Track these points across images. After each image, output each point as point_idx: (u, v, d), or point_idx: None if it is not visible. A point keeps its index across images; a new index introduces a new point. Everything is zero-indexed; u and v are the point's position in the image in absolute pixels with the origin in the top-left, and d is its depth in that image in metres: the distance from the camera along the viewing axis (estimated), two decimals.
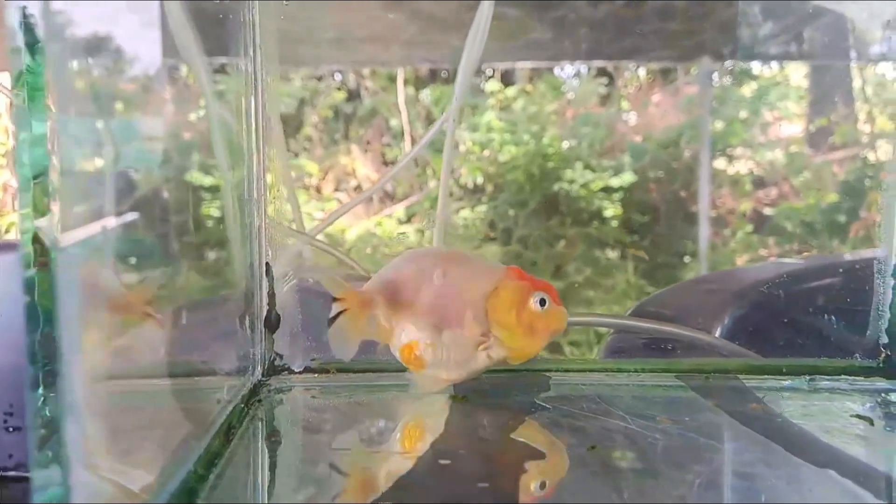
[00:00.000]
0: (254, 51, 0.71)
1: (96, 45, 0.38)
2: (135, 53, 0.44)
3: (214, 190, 0.65)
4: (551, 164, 2.08)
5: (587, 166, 2.09)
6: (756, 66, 2.09)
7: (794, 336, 0.77)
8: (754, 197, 2.10)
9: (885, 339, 0.73)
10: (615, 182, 2.09)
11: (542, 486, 0.48)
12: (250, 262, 0.71)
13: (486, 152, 2.21)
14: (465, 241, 2.06)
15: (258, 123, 0.71)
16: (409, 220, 2.28)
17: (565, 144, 2.15)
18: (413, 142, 2.27)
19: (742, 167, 2.09)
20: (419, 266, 0.65)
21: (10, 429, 1.06)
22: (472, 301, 0.63)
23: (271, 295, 0.72)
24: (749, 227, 2.09)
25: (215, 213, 0.65)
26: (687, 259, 2.06)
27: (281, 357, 0.72)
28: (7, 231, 3.90)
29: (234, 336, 0.66)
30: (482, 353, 0.63)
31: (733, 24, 1.70)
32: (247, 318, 0.69)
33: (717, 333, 0.83)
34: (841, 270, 0.78)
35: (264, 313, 0.72)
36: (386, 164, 2.28)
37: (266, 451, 0.55)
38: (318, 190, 2.31)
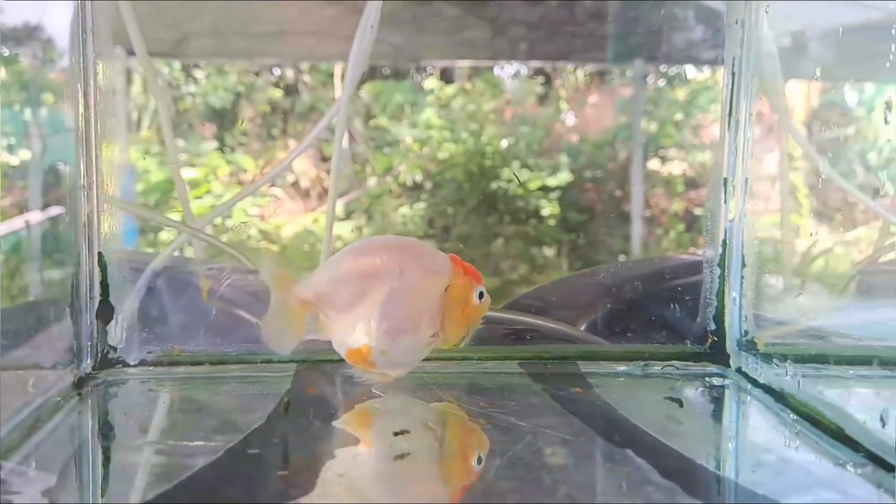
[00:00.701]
0: (84, 36, 0.67)
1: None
2: None
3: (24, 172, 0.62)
4: (489, 163, 2.09)
5: (525, 165, 2.11)
6: (689, 70, 2.14)
7: (644, 325, 0.80)
8: (686, 197, 2.15)
9: (712, 326, 0.77)
10: (552, 181, 2.11)
11: (341, 474, 0.48)
12: (77, 251, 0.67)
13: (426, 150, 2.20)
14: None
15: (89, 110, 0.68)
16: (347, 216, 2.25)
17: (503, 143, 2.17)
18: (351, 138, 2.25)
19: (675, 168, 2.14)
20: (371, 262, 0.63)
21: None
22: (428, 305, 0.62)
23: (104, 285, 0.68)
24: (681, 227, 2.14)
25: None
26: (622, 258, 2.10)
27: (115, 349, 0.69)
28: None
29: (50, 328, 0.62)
30: (427, 347, 0.63)
31: (665, 27, 1.74)
32: (70, 309, 0.65)
33: (584, 325, 0.85)
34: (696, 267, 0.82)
35: (96, 304, 0.68)
36: (324, 159, 2.25)
37: (78, 445, 0.53)
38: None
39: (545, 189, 2.13)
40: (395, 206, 2.18)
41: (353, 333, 0.63)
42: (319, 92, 2.28)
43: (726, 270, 0.78)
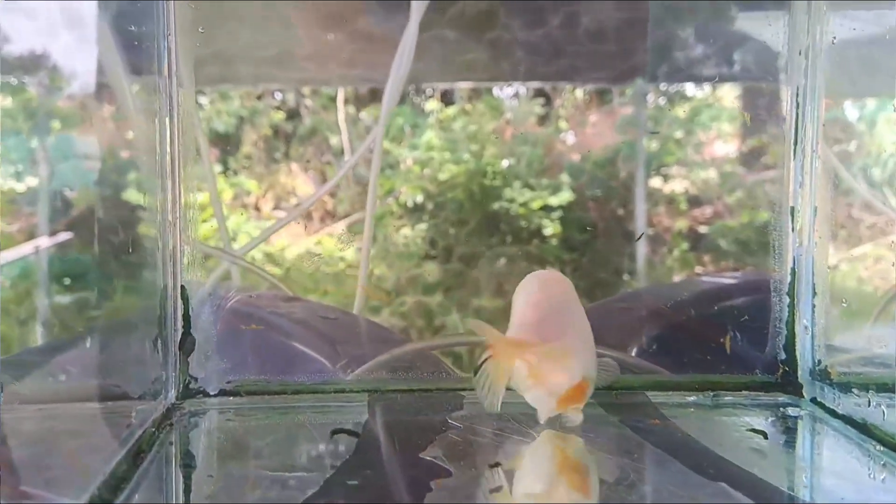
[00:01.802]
0: (169, 73, 0.69)
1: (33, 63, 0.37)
2: (72, 71, 0.43)
3: (134, 210, 0.63)
4: (491, 183, 2.09)
5: (526, 185, 2.11)
6: (690, 88, 2.14)
7: (701, 353, 0.79)
8: (690, 215, 2.14)
9: (782, 355, 0.76)
10: (554, 201, 2.10)
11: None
12: (164, 284, 0.70)
13: (426, 171, 2.21)
14: (405, 259, 2.05)
15: (175, 145, 0.70)
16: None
17: (505, 163, 2.17)
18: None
19: (677, 186, 2.13)
20: (550, 297, 0.62)
21: None
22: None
23: (186, 318, 0.71)
24: (685, 245, 2.13)
25: (132, 235, 0.64)
26: (626, 277, 2.08)
27: (196, 380, 0.71)
28: None
29: (145, 359, 0.64)
30: None
31: (666, 46, 1.74)
32: (159, 341, 0.68)
33: (634, 352, 0.84)
34: (746, 289, 0.80)
35: (179, 336, 0.71)
36: (326, 182, 2.25)
37: (179, 475, 0.54)
38: (258, 208, 2.27)
39: (547, 208, 2.12)
40: (397, 228, 2.17)
41: (565, 372, 0.61)
42: (321, 115, 2.30)
43: (795, 299, 0.77)
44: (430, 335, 1.67)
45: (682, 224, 2.13)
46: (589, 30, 1.65)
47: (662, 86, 1.95)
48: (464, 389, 0.74)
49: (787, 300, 0.76)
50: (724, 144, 2.25)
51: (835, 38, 0.76)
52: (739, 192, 2.14)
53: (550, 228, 2.16)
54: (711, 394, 0.74)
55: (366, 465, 0.54)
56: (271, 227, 0.86)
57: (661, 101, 2.01)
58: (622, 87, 2.04)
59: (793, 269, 0.76)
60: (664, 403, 0.72)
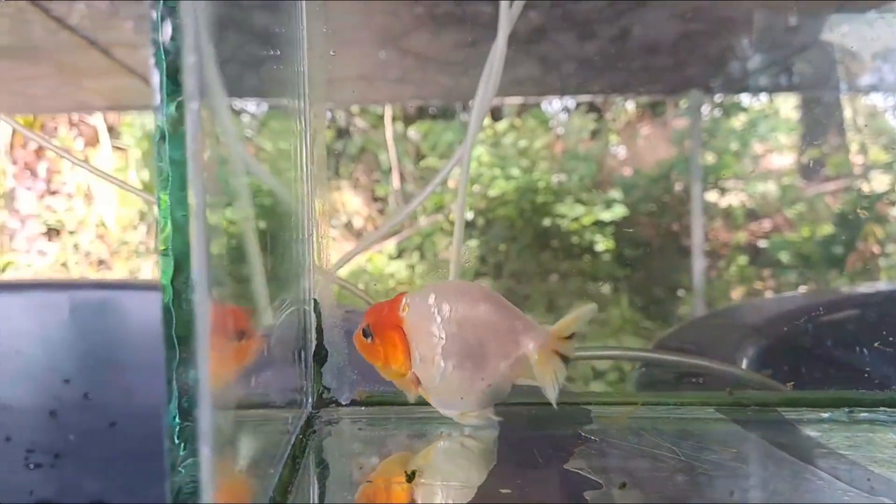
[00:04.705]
0: (301, 96, 0.71)
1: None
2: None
3: (280, 226, 0.66)
4: (542, 199, 2.07)
5: (578, 200, 2.08)
6: (745, 99, 2.08)
7: (826, 369, 0.76)
8: (748, 229, 2.08)
9: None
10: (606, 216, 2.07)
11: None
12: (303, 298, 0.72)
13: (477, 187, 2.19)
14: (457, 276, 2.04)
15: (309, 164, 0.72)
16: (399, 255, 2.25)
17: (555, 179, 2.14)
18: (401, 178, 2.26)
19: (734, 199, 2.08)
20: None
21: (31, 465, 1.05)
22: None
23: (319, 330, 0.73)
24: (743, 260, 2.06)
25: (280, 250, 0.65)
26: (681, 293, 2.03)
27: (329, 390, 0.74)
28: (3, 270, 3.85)
29: (292, 369, 0.67)
30: None
31: (721, 56, 1.70)
32: (301, 352, 0.71)
33: (753, 367, 0.82)
34: (858, 303, 0.77)
35: (313, 348, 0.74)
36: (375, 199, 2.26)
37: (319, 480, 0.56)
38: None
39: (599, 224, 2.09)
40: (446, 245, 2.16)
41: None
42: (370, 134, 2.31)
43: None
44: None
45: (739, 238, 2.07)
46: (642, 43, 1.61)
47: (717, 97, 1.90)
48: (588, 403, 0.73)
49: None
50: (782, 156, 2.19)
51: None
52: (800, 205, 2.08)
53: (603, 244, 2.12)
54: (847, 410, 0.71)
55: (513, 476, 0.54)
56: (364, 243, 0.86)
57: (717, 112, 1.97)
58: (676, 99, 2.00)
59: None
60: (799, 420, 0.70)
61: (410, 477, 0.54)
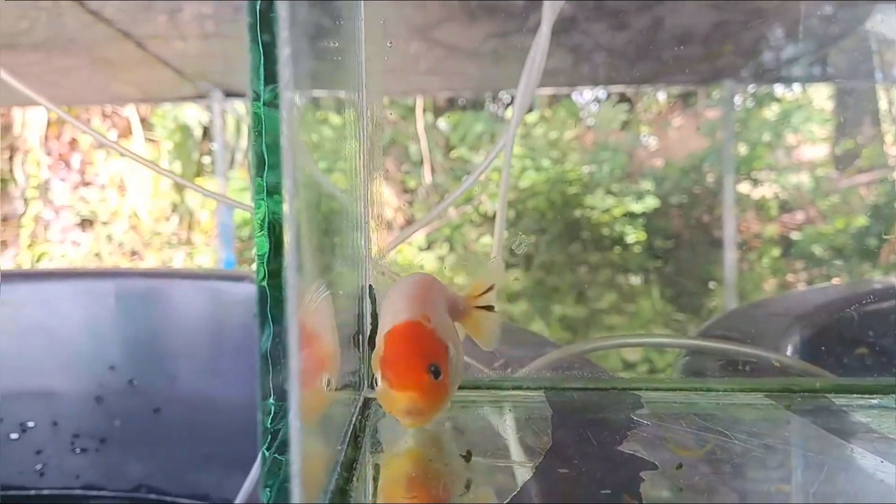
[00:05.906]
0: (359, 86, 0.73)
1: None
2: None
3: (342, 214, 0.68)
4: (572, 190, 2.06)
5: (608, 192, 2.07)
6: (779, 89, 2.06)
7: (872, 357, 0.76)
8: (780, 221, 2.06)
9: None
10: (637, 207, 2.06)
11: (679, 489, 0.48)
12: (360, 284, 0.74)
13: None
14: None
15: (365, 154, 0.74)
16: (428, 246, 2.26)
17: (586, 170, 2.14)
18: (432, 169, 2.26)
19: (767, 191, 2.06)
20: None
21: (78, 450, 1.08)
22: None
23: (374, 315, 0.75)
24: (776, 252, 2.04)
25: (341, 237, 0.68)
26: (712, 284, 2.02)
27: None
28: (38, 260, 3.92)
29: (350, 353, 0.69)
30: None
31: (754, 46, 1.68)
32: (358, 336, 0.73)
33: (798, 354, 0.83)
34: None
35: (367, 333, 0.76)
36: (406, 191, 2.27)
37: (377, 459, 0.58)
38: None
39: (630, 215, 2.08)
40: (476, 236, 2.17)
41: None
42: (400, 126, 2.32)
43: None
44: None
45: (772, 230, 2.05)
46: (674, 32, 1.60)
47: (751, 87, 1.88)
48: (638, 389, 0.74)
49: None
50: (815, 147, 2.16)
51: None
52: (834, 197, 2.05)
53: (633, 236, 2.11)
54: (895, 396, 0.72)
55: (570, 457, 0.55)
56: (410, 229, 0.87)
57: (750, 103, 1.95)
58: (708, 89, 1.98)
59: None
60: (848, 406, 0.70)
61: (468, 457, 0.55)
